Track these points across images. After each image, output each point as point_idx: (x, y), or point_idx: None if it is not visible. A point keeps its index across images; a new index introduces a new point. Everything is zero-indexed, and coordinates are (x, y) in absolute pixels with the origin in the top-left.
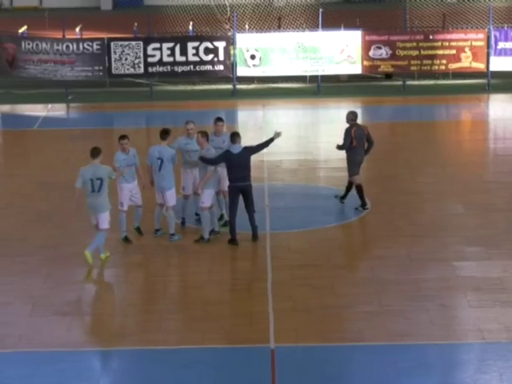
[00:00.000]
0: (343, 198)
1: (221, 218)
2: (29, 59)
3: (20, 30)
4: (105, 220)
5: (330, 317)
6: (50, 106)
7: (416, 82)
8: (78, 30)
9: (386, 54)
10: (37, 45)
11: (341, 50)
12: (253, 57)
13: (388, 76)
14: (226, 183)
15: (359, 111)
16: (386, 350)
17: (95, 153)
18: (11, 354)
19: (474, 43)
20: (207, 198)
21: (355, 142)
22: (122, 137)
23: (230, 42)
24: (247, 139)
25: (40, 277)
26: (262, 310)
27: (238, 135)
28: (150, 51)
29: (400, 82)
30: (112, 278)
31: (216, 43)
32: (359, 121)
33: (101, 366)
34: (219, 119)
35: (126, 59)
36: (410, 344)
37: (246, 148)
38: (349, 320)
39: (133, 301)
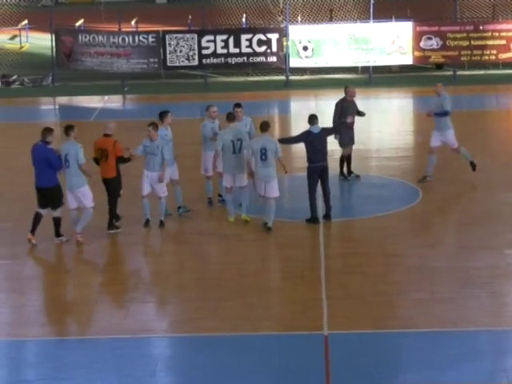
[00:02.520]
0: (350, 173)
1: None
2: (85, 52)
3: (77, 24)
4: (243, 179)
5: (382, 304)
6: (106, 97)
7: (466, 72)
8: (133, 22)
9: (437, 44)
10: (93, 38)
11: (392, 41)
12: (305, 48)
13: (439, 66)
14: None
15: (410, 101)
16: (438, 337)
17: (232, 117)
18: (70, 341)
19: None
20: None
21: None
22: (149, 124)
23: (283, 33)
24: (300, 129)
25: (97, 265)
26: (315, 298)
27: (316, 116)
28: (204, 43)
29: (450, 72)
30: (168, 266)
31: (269, 35)
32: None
33: (157, 353)
34: (238, 105)
35: (181, 51)
36: (460, 330)
37: (323, 129)
38: (400, 307)
39: (189, 288)
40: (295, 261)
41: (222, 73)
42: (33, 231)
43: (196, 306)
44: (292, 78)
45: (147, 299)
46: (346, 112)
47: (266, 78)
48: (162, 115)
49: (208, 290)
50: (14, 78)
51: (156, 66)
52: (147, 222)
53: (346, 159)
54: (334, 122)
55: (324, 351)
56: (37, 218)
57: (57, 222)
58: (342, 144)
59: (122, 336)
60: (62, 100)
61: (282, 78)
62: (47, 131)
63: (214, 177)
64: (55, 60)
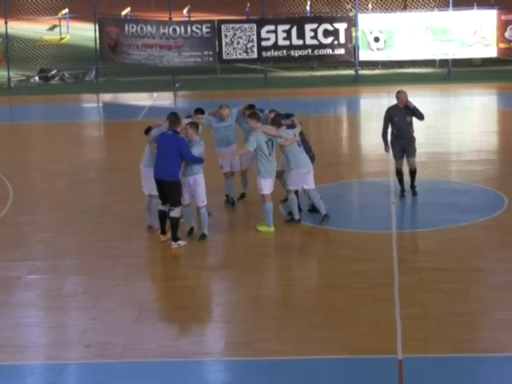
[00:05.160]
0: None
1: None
2: (132, 44)
3: (123, 13)
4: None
5: (463, 325)
6: (155, 94)
7: None
8: (185, 11)
9: None
10: (141, 28)
11: (474, 32)
12: (376, 39)
13: None
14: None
15: (494, 98)
16: None
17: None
18: (115, 364)
19: None
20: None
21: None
22: (188, 123)
23: (352, 23)
24: (371, 130)
25: (146, 280)
26: (388, 318)
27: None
28: (263, 34)
29: None
30: (225, 282)
31: (336, 25)
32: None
33: (212, 378)
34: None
35: (238, 43)
36: None
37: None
38: (485, 328)
39: (247, 307)
40: (365, 276)
41: (284, 67)
42: (163, 232)
43: (255, 326)
44: (362, 72)
45: (201, 318)
46: (393, 121)
47: (333, 72)
48: (196, 113)
49: (268, 308)
50: (53, 72)
51: (210, 59)
52: (191, 230)
53: (409, 174)
54: (383, 130)
55: (398, 377)
56: (162, 217)
57: (174, 223)
58: (394, 157)
59: (173, 359)
60: (107, 97)
61: (351, 72)
62: (177, 119)
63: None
64: (99, 53)
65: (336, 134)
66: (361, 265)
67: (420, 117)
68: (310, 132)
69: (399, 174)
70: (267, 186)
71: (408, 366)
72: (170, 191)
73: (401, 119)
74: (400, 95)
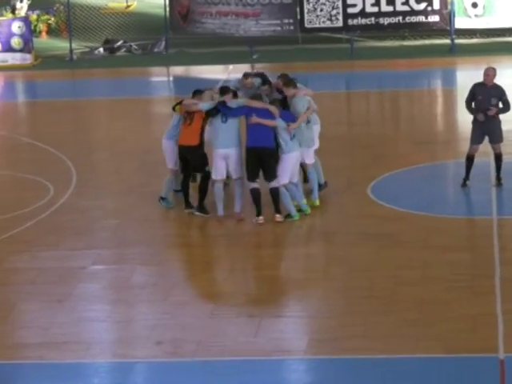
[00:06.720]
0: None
1: None
2: (206, 12)
3: None
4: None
5: None
6: (231, 67)
7: None
8: None
9: None
10: None
11: None
12: (475, 5)
13: None
14: None
15: None
16: None
17: None
18: (188, 363)
19: None
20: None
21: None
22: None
23: None
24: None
25: (222, 270)
26: (488, 313)
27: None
28: (350, 0)
29: None
30: (308, 273)
31: None
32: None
33: (295, 378)
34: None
35: (322, 10)
36: None
37: None
38: None
39: (333, 300)
40: (463, 267)
41: (372, 36)
42: (259, 213)
43: (341, 321)
44: (458, 41)
45: (282, 313)
46: (476, 99)
47: (427, 41)
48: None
49: (356, 302)
50: (119, 43)
51: (291, 28)
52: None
53: (495, 160)
54: (466, 105)
55: (500, 379)
56: (256, 196)
57: (275, 194)
58: (470, 140)
59: (252, 357)
60: (178, 70)
61: (446, 41)
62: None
63: None
64: (169, 22)
65: (430, 110)
66: (458, 254)
67: (506, 108)
68: (401, 108)
69: (470, 159)
70: (309, 156)
71: (511, 366)
72: (267, 161)
73: (484, 99)
74: (488, 72)
